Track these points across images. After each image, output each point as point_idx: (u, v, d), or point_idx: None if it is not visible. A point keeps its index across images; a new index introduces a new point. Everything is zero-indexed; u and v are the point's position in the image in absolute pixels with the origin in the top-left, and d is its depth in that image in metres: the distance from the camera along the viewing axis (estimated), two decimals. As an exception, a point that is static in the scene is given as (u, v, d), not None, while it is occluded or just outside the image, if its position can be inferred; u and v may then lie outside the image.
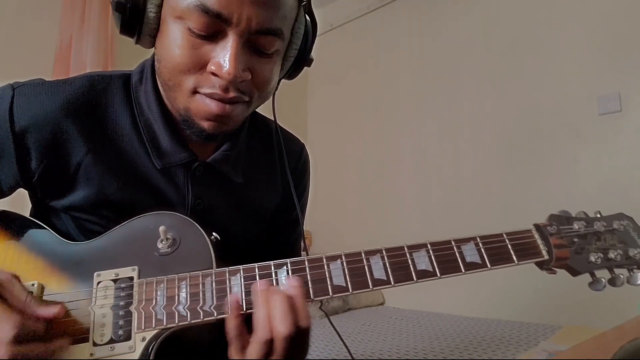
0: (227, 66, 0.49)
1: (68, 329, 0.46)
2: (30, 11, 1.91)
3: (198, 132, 0.55)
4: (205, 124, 0.54)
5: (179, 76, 0.51)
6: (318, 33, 0.63)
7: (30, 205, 0.63)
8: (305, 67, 0.64)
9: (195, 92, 0.52)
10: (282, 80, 0.65)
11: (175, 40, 0.50)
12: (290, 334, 0.44)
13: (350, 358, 0.73)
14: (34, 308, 0.44)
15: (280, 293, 0.46)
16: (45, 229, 0.54)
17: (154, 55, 0.61)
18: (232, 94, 0.52)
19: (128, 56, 1.94)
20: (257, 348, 0.45)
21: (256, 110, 0.66)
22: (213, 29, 0.49)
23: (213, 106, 0.52)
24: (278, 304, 0.45)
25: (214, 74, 0.50)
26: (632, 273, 0.54)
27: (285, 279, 0.49)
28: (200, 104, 0.52)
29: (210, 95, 0.51)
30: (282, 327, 0.44)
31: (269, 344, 0.45)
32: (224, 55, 0.49)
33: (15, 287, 0.44)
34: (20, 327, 0.41)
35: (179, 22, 0.50)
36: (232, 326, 0.46)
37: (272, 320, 0.44)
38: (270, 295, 0.46)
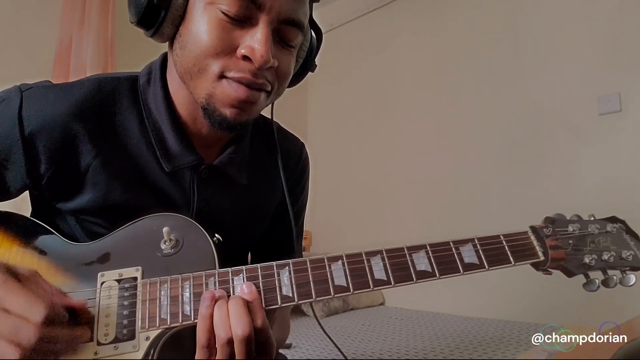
0: (260, 49, 0.50)
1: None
2: (30, 11, 1.91)
3: (219, 120, 0.55)
4: (228, 112, 0.54)
5: (205, 60, 0.52)
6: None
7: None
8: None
9: (221, 77, 0.52)
10: None
11: (205, 23, 0.51)
12: (247, 335, 0.44)
13: (344, 359, 0.73)
14: (61, 297, 0.45)
15: (235, 297, 0.47)
16: (49, 230, 0.54)
17: (163, 56, 0.62)
18: (260, 80, 0.53)
19: (128, 57, 1.95)
20: (220, 351, 0.45)
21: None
22: (245, 13, 0.50)
23: (241, 91, 0.52)
24: (232, 307, 0.46)
25: (245, 57, 0.51)
26: (624, 274, 0.55)
27: (242, 286, 0.49)
28: (227, 88, 0.52)
29: (238, 80, 0.52)
30: (238, 329, 0.44)
31: (231, 345, 0.45)
32: (256, 40, 0.51)
33: (39, 279, 0.45)
34: (51, 309, 0.41)
35: (210, 7, 0.51)
36: (202, 329, 0.46)
37: (230, 323, 0.45)
38: (229, 299, 0.47)
